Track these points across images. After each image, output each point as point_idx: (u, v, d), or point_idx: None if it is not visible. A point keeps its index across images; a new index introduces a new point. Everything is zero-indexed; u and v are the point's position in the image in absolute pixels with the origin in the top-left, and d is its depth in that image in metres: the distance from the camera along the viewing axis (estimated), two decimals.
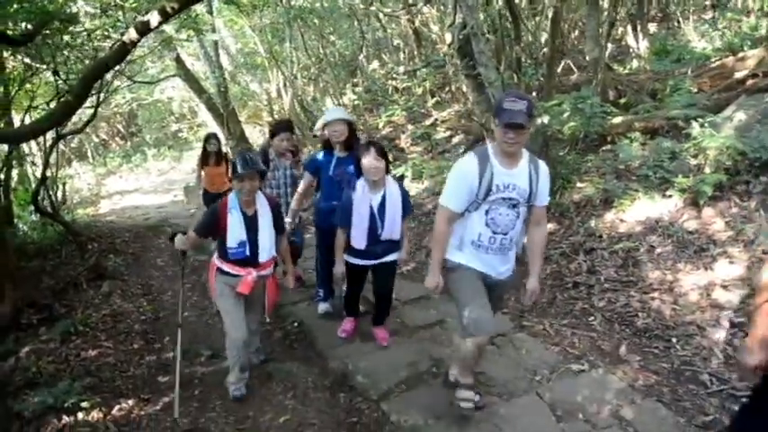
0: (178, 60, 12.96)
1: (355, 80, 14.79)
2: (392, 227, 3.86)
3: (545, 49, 8.42)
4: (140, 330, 5.07)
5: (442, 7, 12.13)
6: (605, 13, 9.65)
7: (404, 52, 14.66)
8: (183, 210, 11.60)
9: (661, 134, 6.26)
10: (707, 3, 13.79)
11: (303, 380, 3.85)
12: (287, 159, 5.00)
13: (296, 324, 4.76)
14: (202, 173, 7.42)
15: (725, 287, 4.18)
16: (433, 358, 3.91)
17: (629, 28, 12.09)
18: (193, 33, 9.45)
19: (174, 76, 13.65)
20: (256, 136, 16.03)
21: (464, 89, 10.30)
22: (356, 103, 13.32)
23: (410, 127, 11.03)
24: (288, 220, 4.31)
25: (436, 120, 10.82)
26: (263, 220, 3.53)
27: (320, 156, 4.42)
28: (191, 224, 5.68)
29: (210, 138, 7.47)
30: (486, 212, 2.90)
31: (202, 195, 7.62)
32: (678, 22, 13.20)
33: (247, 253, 3.45)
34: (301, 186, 4.61)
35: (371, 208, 3.78)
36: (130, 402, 3.80)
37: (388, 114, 11.50)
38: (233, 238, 3.42)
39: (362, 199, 3.79)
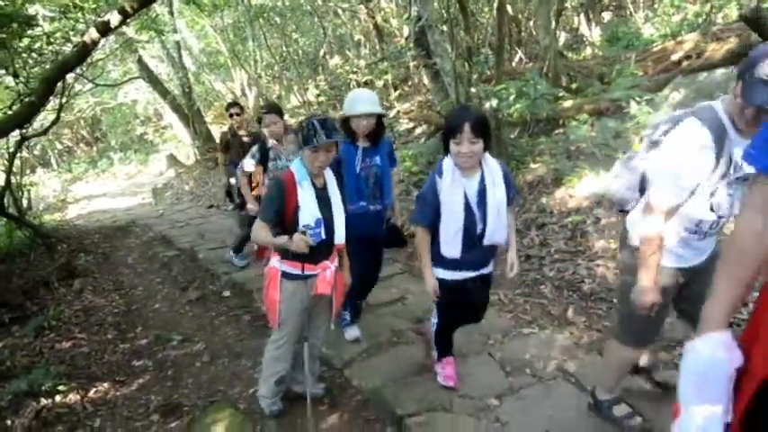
0: (140, 62, 12.99)
1: (319, 77, 14.98)
2: (497, 225, 2.83)
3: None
4: (113, 322, 5.20)
5: (400, 1, 12.40)
6: (555, 4, 10.01)
7: (365, 47, 14.89)
8: (152, 211, 11.65)
9: (607, 115, 6.61)
10: None
11: None
12: (289, 143, 4.48)
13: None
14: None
15: None
16: (393, 330, 4.13)
17: (583, 17, 12.53)
18: (154, 34, 9.55)
19: (136, 78, 13.65)
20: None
21: (425, 81, 10.59)
22: (320, 99, 13.51)
23: None
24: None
25: (399, 112, 11.08)
26: (333, 192, 2.93)
27: (341, 147, 3.53)
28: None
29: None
30: (712, 194, 2.23)
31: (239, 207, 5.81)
32: (630, 10, 13.68)
33: (323, 235, 2.82)
34: None
35: (466, 198, 2.78)
36: (106, 385, 3.95)
37: None
38: (308, 215, 2.76)
39: (453, 187, 2.75)
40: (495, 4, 6.46)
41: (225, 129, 6.84)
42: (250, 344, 4.29)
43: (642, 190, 2.57)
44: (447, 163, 2.77)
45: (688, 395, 1.44)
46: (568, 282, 4.64)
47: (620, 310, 2.68)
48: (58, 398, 3.74)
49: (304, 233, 2.68)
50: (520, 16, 11.83)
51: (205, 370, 4.04)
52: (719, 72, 5.90)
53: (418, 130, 10.32)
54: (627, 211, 2.72)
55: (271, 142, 4.58)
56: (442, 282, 2.96)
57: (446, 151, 2.76)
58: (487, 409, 3.09)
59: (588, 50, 11.10)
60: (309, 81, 14.39)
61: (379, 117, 3.56)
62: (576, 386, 3.27)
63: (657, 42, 8.62)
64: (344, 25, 15.07)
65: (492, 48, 9.62)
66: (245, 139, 6.50)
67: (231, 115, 6.44)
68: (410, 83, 12.87)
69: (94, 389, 3.91)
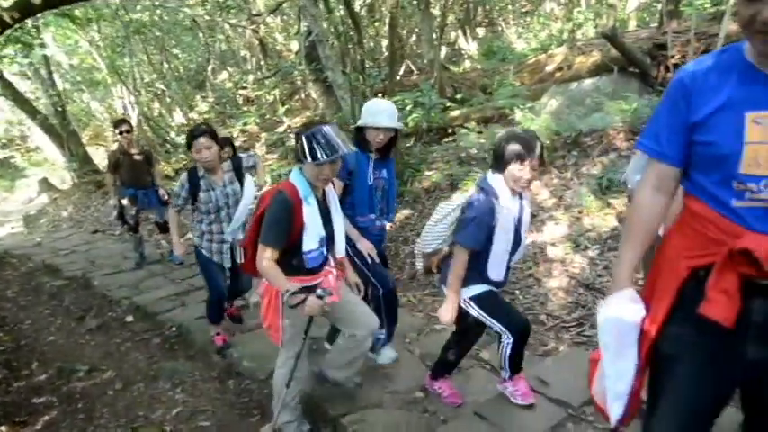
0: (2, 79, 11.94)
1: (204, 93, 14.61)
2: (523, 248, 2.92)
3: (386, 53, 9.09)
4: (1, 360, 4.78)
5: (285, 17, 12.46)
6: (437, 19, 10.57)
7: (251, 63, 14.76)
8: (27, 240, 10.71)
9: (493, 122, 7.10)
10: (524, 9, 15.52)
11: (189, 375, 3.96)
12: (223, 173, 3.86)
13: (173, 328, 4.80)
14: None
15: (553, 244, 4.94)
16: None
17: (461, 32, 13.28)
18: (21, 49, 8.88)
19: None
20: (101, 157, 15.22)
21: (313, 95, 10.72)
22: (207, 116, 13.19)
23: (264, 135, 11.21)
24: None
25: (289, 126, 11.11)
26: (332, 202, 2.74)
27: (353, 156, 3.20)
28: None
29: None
30: None
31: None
32: (501, 26, 14.70)
33: (326, 252, 2.64)
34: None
35: (514, 221, 2.73)
36: (3, 429, 3.64)
37: (243, 123, 11.59)
38: (313, 236, 2.56)
39: (509, 209, 2.67)
40: (387, 20, 6.75)
41: (113, 148, 6.54)
42: (165, 365, 4.15)
43: None
44: (498, 183, 2.63)
45: (607, 342, 1.67)
46: None
47: None
48: None
49: (321, 297, 2.52)
50: (402, 31, 12.34)
51: (120, 397, 3.84)
52: (588, 82, 6.58)
53: None
54: None
55: (201, 171, 3.78)
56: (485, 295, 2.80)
57: (500, 169, 2.61)
58: (415, 401, 3.25)
59: (467, 63, 11.79)
60: (195, 98, 14.00)
61: (395, 132, 3.36)
62: (491, 372, 3.52)
63: (530, 56, 9.36)
64: (227, 41, 14.84)
65: (377, 61, 9.98)
66: (137, 157, 6.27)
67: (121, 133, 6.18)
68: (297, 98, 12.93)
69: None
